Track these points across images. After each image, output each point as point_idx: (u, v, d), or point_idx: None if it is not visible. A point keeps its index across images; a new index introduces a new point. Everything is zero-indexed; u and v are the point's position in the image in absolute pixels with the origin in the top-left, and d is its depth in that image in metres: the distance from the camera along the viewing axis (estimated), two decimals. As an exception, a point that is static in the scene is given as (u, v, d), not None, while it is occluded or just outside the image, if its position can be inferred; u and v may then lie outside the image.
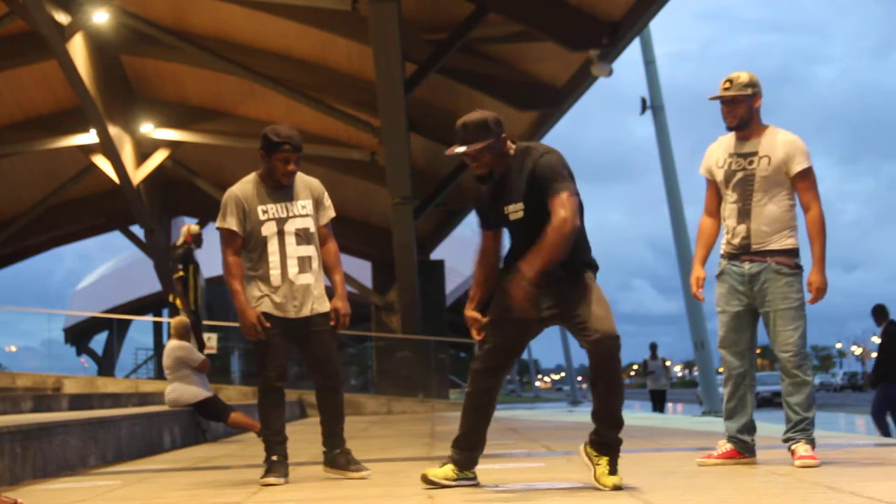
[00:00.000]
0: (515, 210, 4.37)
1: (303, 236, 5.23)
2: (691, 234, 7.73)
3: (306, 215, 5.26)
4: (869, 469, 4.91)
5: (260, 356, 5.23)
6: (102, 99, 17.94)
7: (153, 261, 25.08)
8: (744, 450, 5.24)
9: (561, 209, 4.20)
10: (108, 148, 18.94)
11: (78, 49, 16.49)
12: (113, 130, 18.81)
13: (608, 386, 4.29)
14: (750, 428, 5.25)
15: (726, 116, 5.26)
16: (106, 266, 51.07)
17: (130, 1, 18.04)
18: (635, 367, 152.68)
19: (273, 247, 5.17)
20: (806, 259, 5.25)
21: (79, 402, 12.05)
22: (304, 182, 5.34)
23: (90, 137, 19.45)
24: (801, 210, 5.26)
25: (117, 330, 36.20)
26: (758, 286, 5.16)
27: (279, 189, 5.23)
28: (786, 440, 5.15)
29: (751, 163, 5.19)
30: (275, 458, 5.20)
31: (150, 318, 37.06)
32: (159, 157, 21.51)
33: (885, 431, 11.75)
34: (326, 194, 5.40)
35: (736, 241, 5.23)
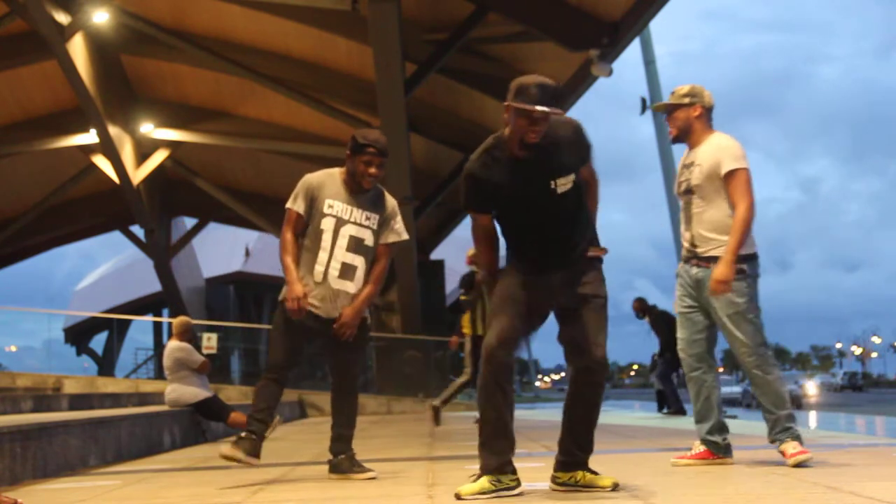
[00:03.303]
0: (565, 182, 4.09)
1: (355, 245, 5.21)
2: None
3: (366, 227, 5.24)
4: (869, 469, 4.92)
5: (276, 338, 5.24)
6: (102, 99, 17.96)
7: (153, 261, 25.08)
8: (717, 450, 5.27)
9: (595, 176, 4.29)
10: (108, 148, 18.96)
11: (78, 49, 16.51)
12: (113, 130, 18.83)
13: (588, 409, 4.21)
14: (720, 428, 5.27)
15: (669, 127, 5.40)
16: (106, 266, 51.09)
17: (130, 1, 18.05)
18: (636, 366, 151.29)
19: (326, 243, 5.18)
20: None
21: (79, 402, 12.06)
22: (383, 198, 5.35)
23: (90, 137, 19.47)
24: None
25: (117, 330, 36.25)
26: (704, 291, 5.19)
27: (355, 192, 5.24)
28: (772, 442, 5.19)
29: (690, 172, 5.28)
30: (243, 434, 5.17)
31: (150, 318, 37.08)
32: (159, 157, 21.53)
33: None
34: (400, 217, 5.38)
35: (685, 245, 5.32)
